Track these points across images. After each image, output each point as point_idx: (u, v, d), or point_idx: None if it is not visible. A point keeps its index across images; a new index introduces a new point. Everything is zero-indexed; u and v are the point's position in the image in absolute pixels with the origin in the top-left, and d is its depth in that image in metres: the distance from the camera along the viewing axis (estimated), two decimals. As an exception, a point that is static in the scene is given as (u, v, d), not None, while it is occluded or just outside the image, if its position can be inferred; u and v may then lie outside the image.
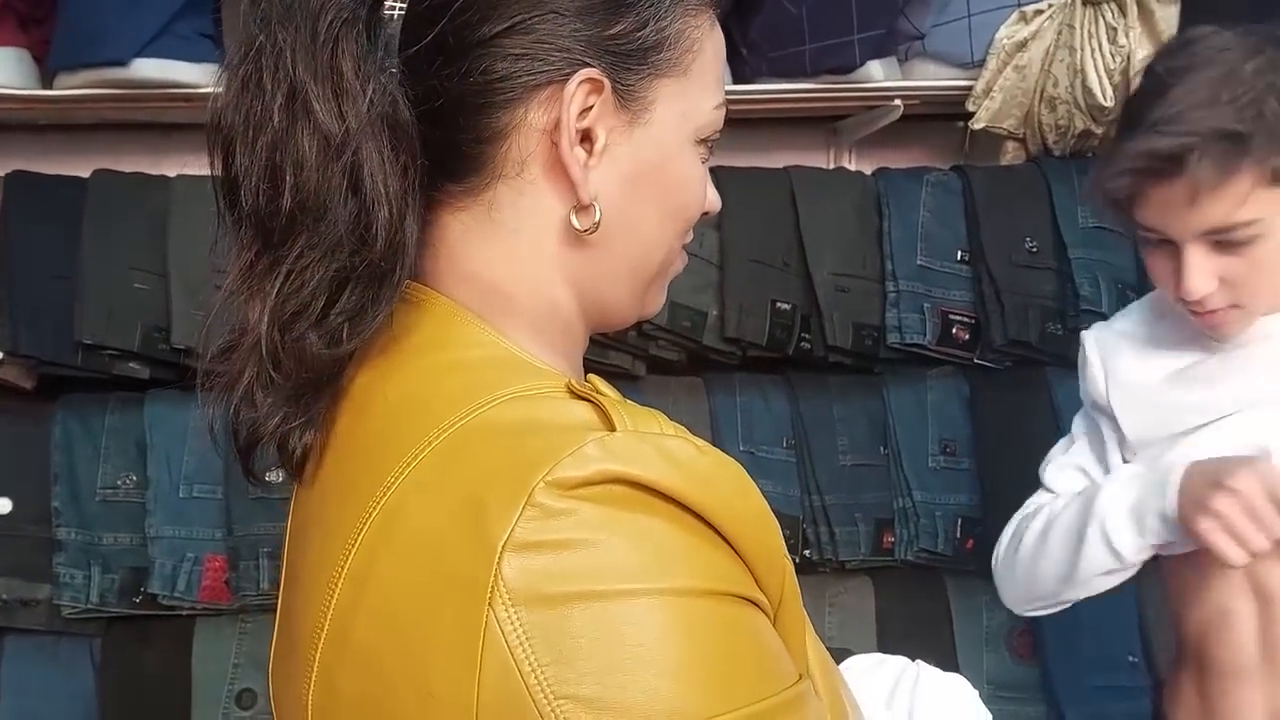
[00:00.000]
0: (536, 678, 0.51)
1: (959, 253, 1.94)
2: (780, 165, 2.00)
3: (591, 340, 2.01)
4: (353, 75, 0.61)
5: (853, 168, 2.10)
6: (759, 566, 0.57)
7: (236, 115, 0.62)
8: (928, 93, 1.93)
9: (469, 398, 0.59)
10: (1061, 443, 1.34)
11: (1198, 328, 1.15)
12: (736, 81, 1.88)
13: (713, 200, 0.74)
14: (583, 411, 0.58)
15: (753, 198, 1.92)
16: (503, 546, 0.52)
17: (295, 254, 0.61)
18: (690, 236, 0.73)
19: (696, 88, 0.68)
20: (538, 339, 0.67)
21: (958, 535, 1.89)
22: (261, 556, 1.69)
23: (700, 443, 0.58)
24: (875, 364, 1.95)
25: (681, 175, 0.68)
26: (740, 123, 2.07)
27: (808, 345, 1.91)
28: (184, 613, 1.74)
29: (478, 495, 0.54)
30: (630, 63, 0.65)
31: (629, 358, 1.88)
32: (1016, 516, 1.31)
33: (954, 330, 1.92)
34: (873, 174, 2.01)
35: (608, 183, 0.65)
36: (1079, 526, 1.16)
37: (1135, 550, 1.13)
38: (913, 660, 0.87)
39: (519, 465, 0.54)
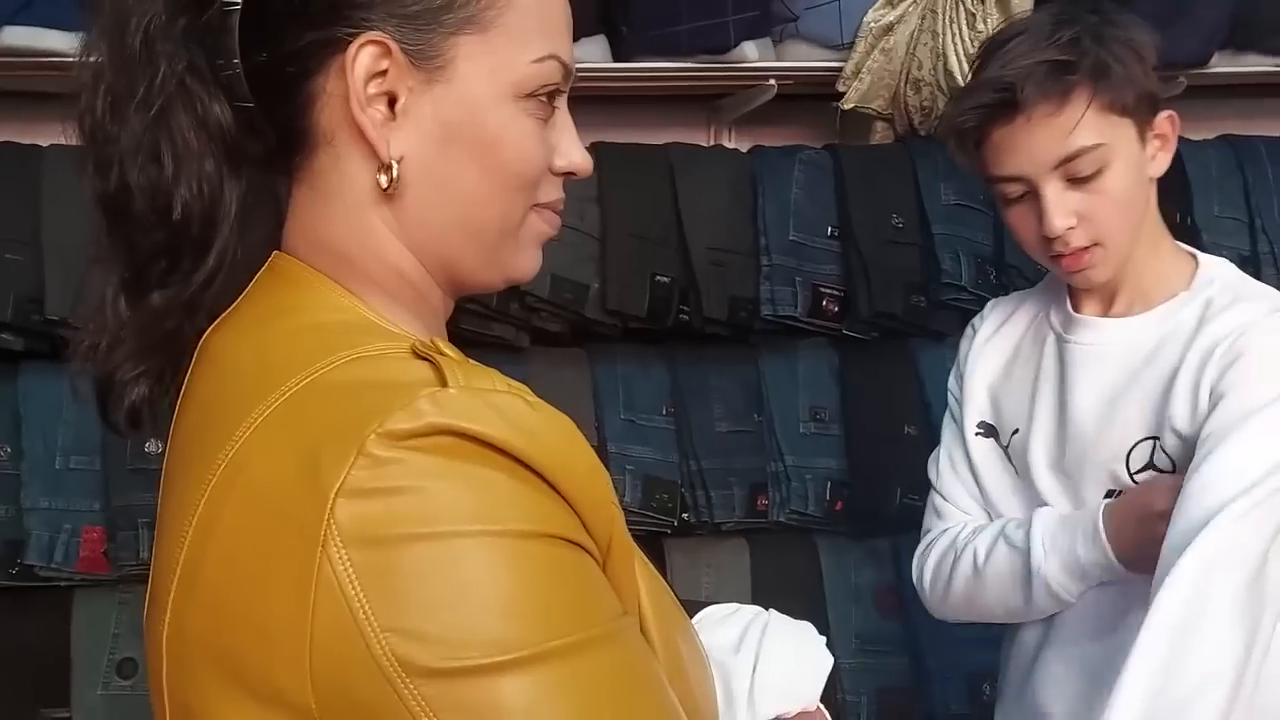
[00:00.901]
0: (365, 613, 0.55)
1: (829, 229, 2.02)
2: (663, 142, 2.06)
3: (475, 313, 2.04)
4: (153, 55, 0.65)
5: (732, 145, 2.16)
6: (586, 513, 0.61)
7: (84, 88, 0.67)
8: (801, 73, 2.00)
9: (315, 359, 0.62)
10: (944, 441, 1.39)
11: (1064, 277, 1.22)
12: (617, 59, 1.93)
13: (578, 161, 0.74)
14: (420, 370, 0.61)
15: (633, 173, 1.98)
16: (335, 493, 0.55)
17: (127, 225, 0.67)
18: (550, 196, 0.74)
19: (506, 43, 0.68)
20: (393, 304, 0.70)
21: (827, 498, 1.98)
22: (140, 527, 1.69)
23: (532, 399, 0.62)
24: (750, 335, 2.03)
25: (498, 132, 0.69)
26: (623, 100, 2.12)
27: (686, 317, 1.98)
28: (62, 584, 1.74)
29: (315, 448, 0.58)
30: (418, 23, 0.66)
31: (513, 329, 1.92)
32: (933, 549, 1.33)
33: (824, 303, 2.01)
34: (748, 152, 2.08)
35: (414, 142, 0.67)
36: (1020, 583, 1.22)
37: (1081, 593, 1.21)
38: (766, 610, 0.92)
39: (354, 419, 0.57)
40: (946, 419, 1.39)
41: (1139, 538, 1.12)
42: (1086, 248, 1.16)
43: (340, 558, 0.55)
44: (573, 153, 0.74)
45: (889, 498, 1.96)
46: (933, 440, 1.96)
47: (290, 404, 0.61)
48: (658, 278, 1.95)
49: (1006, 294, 1.97)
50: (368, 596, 0.55)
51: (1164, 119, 1.17)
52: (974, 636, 1.85)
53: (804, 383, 2.04)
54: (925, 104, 1.98)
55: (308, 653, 0.55)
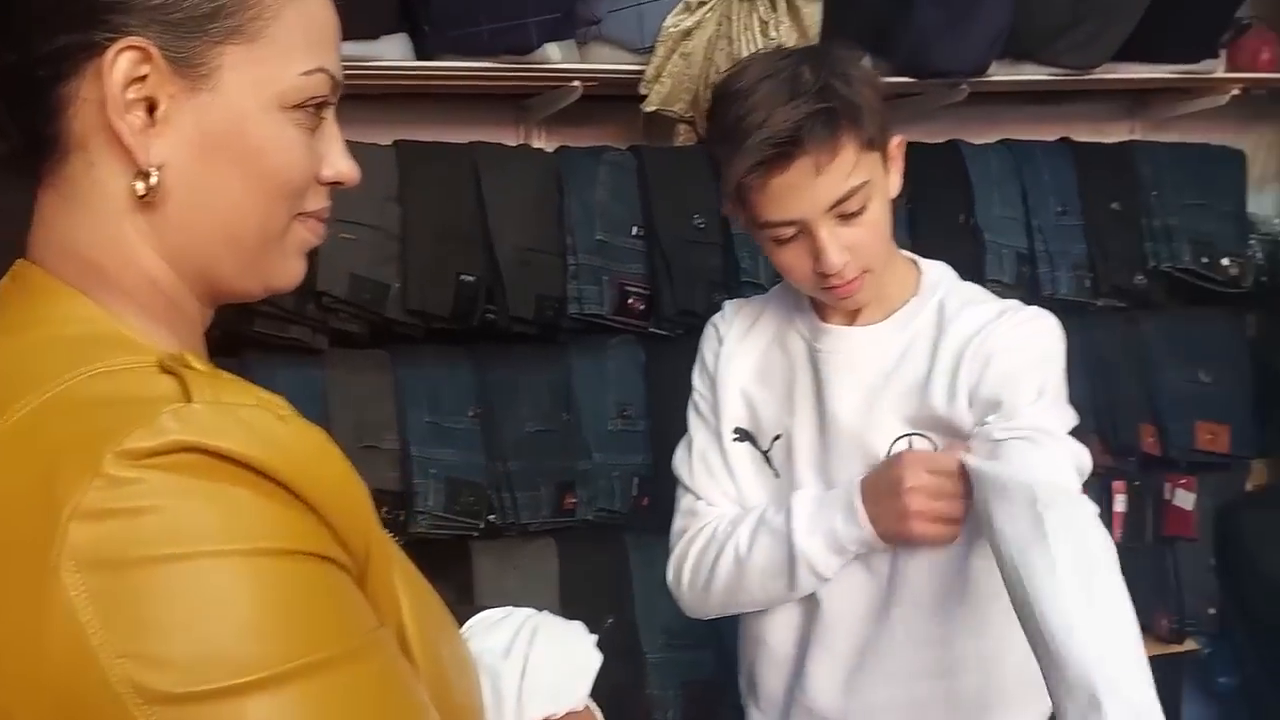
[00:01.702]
0: (100, 638, 0.53)
1: (634, 228, 2.05)
2: (471, 140, 2.05)
3: (270, 315, 1.97)
4: None
5: (539, 145, 2.17)
6: (339, 526, 0.60)
7: None
8: (604, 75, 2.02)
9: (57, 373, 0.60)
10: (696, 441, 1.38)
11: (833, 302, 1.27)
12: (420, 57, 1.91)
13: (344, 171, 0.74)
14: (166, 384, 0.59)
15: (436, 171, 1.96)
16: (69, 515, 0.54)
17: None
18: (315, 205, 0.73)
19: (273, 54, 0.68)
20: (142, 313, 0.68)
21: (634, 494, 2.01)
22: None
23: (283, 412, 0.60)
24: (558, 334, 2.04)
25: (263, 142, 0.68)
26: (427, 97, 2.10)
27: (492, 317, 1.97)
28: None
29: (50, 468, 0.56)
30: (182, 31, 0.65)
31: (309, 331, 1.88)
32: (692, 546, 1.35)
33: (630, 300, 2.04)
34: (554, 152, 2.08)
35: (175, 150, 0.66)
36: (783, 567, 1.26)
37: (840, 567, 1.26)
38: (539, 610, 0.93)
39: (91, 438, 0.56)
40: (695, 419, 1.39)
41: (890, 509, 1.19)
42: (858, 276, 1.21)
43: (74, 583, 0.53)
44: (339, 162, 0.74)
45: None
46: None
47: (28, 421, 0.58)
48: (462, 277, 1.94)
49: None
50: (102, 622, 0.53)
51: (895, 145, 1.23)
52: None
53: (612, 380, 2.06)
54: (724, 107, 2.03)
55: (41, 680, 0.54)
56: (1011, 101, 2.44)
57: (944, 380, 1.22)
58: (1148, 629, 2.30)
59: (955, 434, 1.22)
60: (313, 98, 0.70)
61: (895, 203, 1.26)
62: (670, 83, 1.99)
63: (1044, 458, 1.14)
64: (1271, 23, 2.48)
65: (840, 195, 1.16)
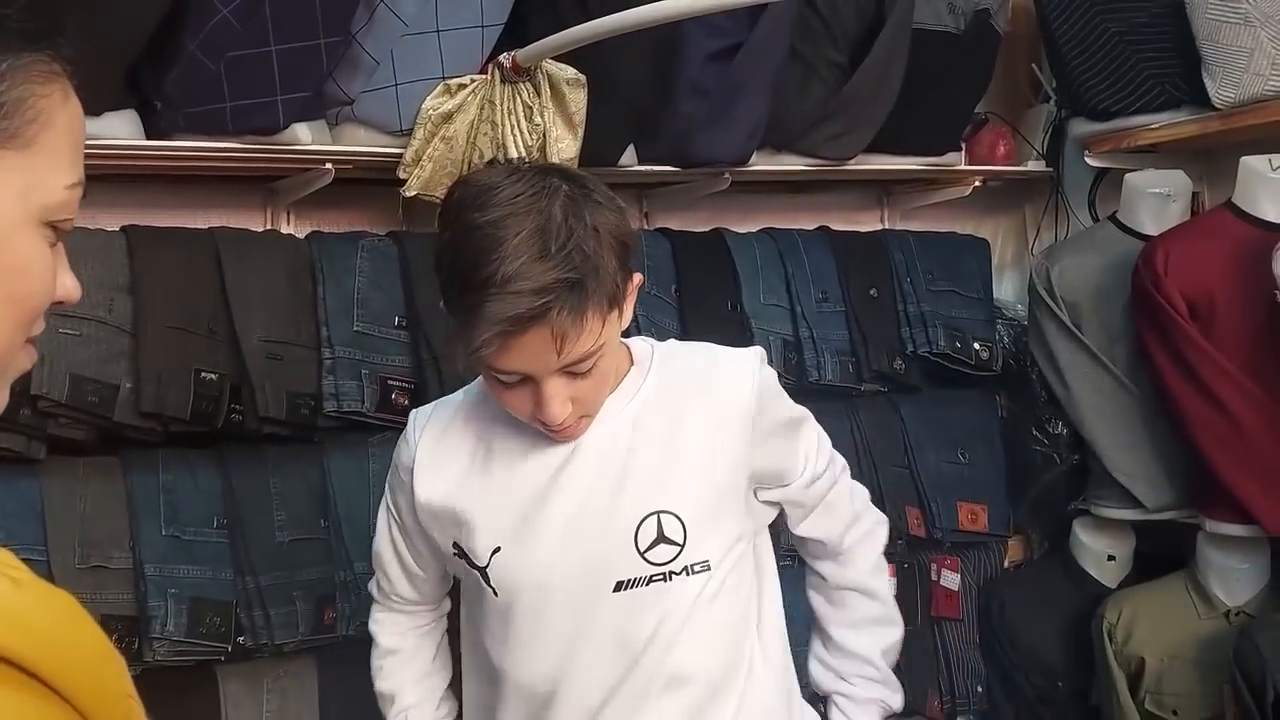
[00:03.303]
0: None
1: (397, 318, 1.94)
2: (213, 225, 1.89)
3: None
4: None
5: (290, 230, 2.03)
6: (92, 708, 0.50)
7: None
8: (359, 158, 1.91)
9: None
10: (389, 557, 1.41)
11: (550, 437, 1.21)
12: (151, 136, 1.75)
13: (70, 289, 0.67)
14: None
15: (173, 260, 1.79)
16: None
17: None
18: (41, 329, 0.65)
19: (43, 163, 0.61)
20: None
21: (402, 603, 1.86)
22: None
23: (19, 574, 0.50)
24: (314, 433, 1.89)
25: (25, 259, 0.60)
26: (160, 180, 1.93)
27: (239, 417, 1.80)
28: None
29: None
30: None
31: (24, 439, 1.65)
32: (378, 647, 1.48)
33: (394, 395, 1.91)
34: (306, 237, 1.95)
35: None
36: None
37: None
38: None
39: None
40: (390, 534, 1.38)
41: None
42: (577, 421, 1.18)
43: None
44: (67, 279, 0.67)
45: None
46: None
47: None
48: (203, 374, 1.76)
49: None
50: None
51: (633, 284, 1.19)
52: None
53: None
54: (489, 193, 1.96)
55: None
56: (771, 190, 2.50)
57: (696, 444, 1.23)
58: (919, 710, 2.32)
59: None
60: (70, 215, 0.63)
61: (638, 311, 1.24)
62: (431, 166, 1.90)
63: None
64: (1006, 118, 2.66)
65: (574, 360, 1.12)
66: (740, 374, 1.27)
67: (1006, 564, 2.57)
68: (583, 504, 1.22)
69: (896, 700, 1.46)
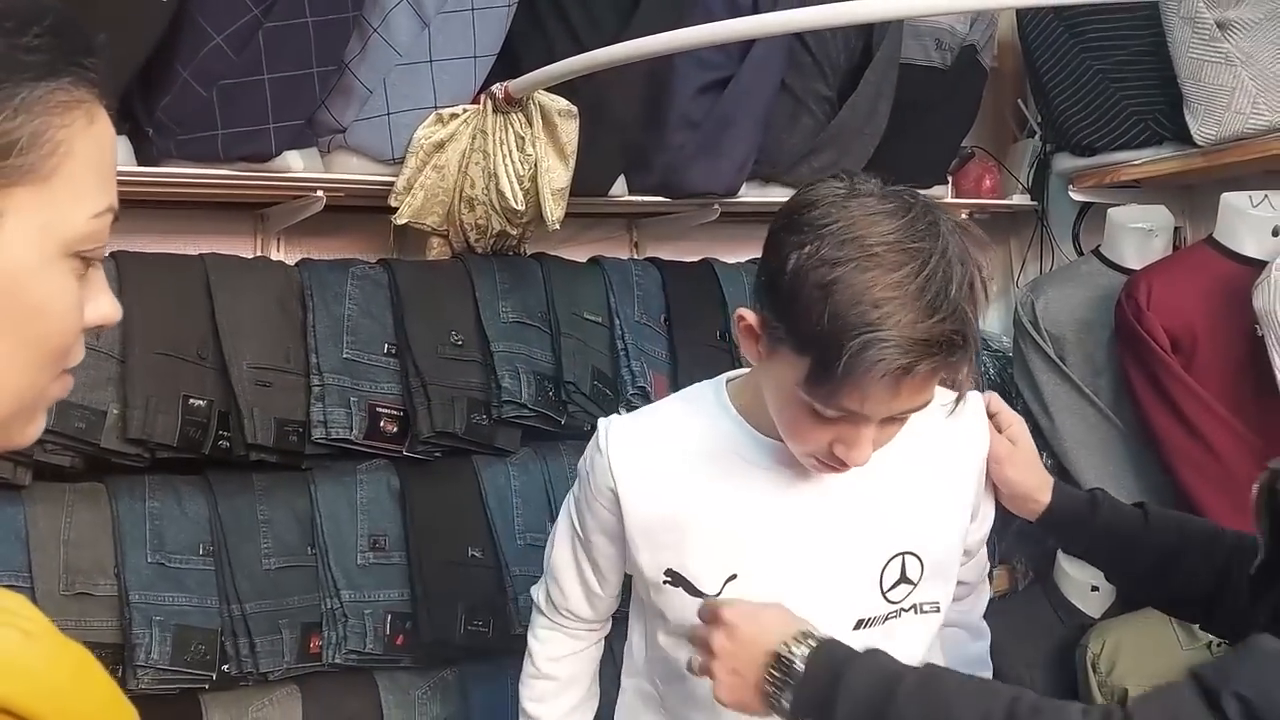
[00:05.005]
0: None
1: (386, 345, 1.94)
2: (202, 251, 1.89)
3: (-45, 448, 1.72)
4: None
5: (280, 256, 2.03)
6: None
7: None
8: (351, 186, 1.92)
9: None
10: (570, 577, 1.35)
11: (814, 469, 1.14)
12: (143, 163, 1.75)
13: (107, 313, 0.64)
14: None
15: (162, 285, 1.79)
16: None
17: None
18: (78, 359, 0.63)
19: (64, 195, 0.58)
20: None
21: (388, 632, 1.85)
22: None
23: (30, 623, 0.48)
24: (302, 460, 1.88)
25: (44, 298, 0.58)
26: (152, 205, 1.93)
27: (227, 444, 1.80)
28: None
29: None
30: None
31: (10, 465, 1.64)
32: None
33: (382, 423, 1.91)
34: (296, 264, 1.95)
35: None
36: None
37: None
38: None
39: None
40: (573, 550, 1.33)
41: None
42: None
43: None
44: (103, 303, 0.64)
45: (452, 625, 1.87)
46: (498, 561, 1.93)
47: None
48: (191, 400, 1.76)
49: (565, 409, 2.00)
50: None
51: None
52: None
53: (363, 509, 1.91)
54: (480, 222, 1.97)
55: None
56: (761, 221, 2.49)
57: (958, 488, 1.25)
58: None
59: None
60: (99, 244, 0.60)
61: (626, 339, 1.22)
62: (423, 195, 1.91)
63: None
64: (992, 152, 2.69)
65: (912, 408, 1.06)
66: (978, 424, 1.27)
67: (991, 594, 2.58)
68: (832, 536, 1.18)
69: None
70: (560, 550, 1.34)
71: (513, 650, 1.51)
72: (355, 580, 1.85)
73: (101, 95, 0.62)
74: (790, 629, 1.05)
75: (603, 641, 1.45)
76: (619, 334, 2.13)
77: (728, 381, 1.27)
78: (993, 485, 1.32)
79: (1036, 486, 1.31)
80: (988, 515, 1.35)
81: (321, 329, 1.88)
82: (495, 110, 1.86)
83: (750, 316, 1.12)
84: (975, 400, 1.28)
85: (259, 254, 2.02)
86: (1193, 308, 2.18)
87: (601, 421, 1.27)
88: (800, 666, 1.01)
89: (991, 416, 1.32)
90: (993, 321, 2.79)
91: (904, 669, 1.01)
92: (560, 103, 1.88)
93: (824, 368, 1.01)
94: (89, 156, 0.60)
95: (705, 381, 1.31)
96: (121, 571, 1.69)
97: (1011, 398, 2.55)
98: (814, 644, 1.03)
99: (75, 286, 0.61)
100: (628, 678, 1.40)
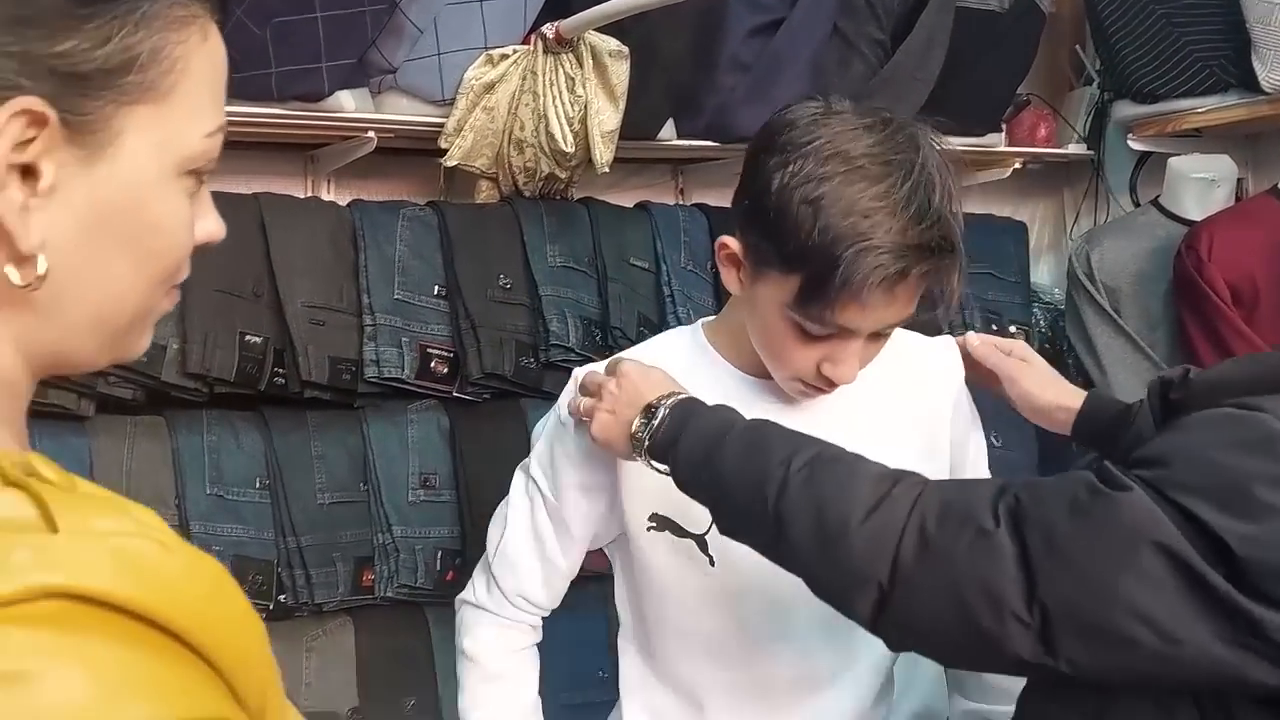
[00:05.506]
0: None
1: (436, 287, 1.96)
2: (254, 191, 1.92)
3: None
4: None
5: (330, 198, 2.05)
6: (238, 678, 0.49)
7: None
8: (401, 126, 1.93)
9: None
10: (530, 527, 1.25)
11: (796, 396, 1.16)
12: (200, 101, 1.77)
13: (214, 230, 0.65)
14: (13, 504, 0.47)
15: (219, 225, 1.81)
16: None
17: None
18: (185, 274, 0.64)
19: (181, 113, 0.58)
20: None
21: (438, 568, 1.89)
22: None
23: (169, 538, 0.49)
24: (354, 398, 1.91)
25: (159, 215, 0.59)
26: (209, 145, 1.95)
27: (282, 380, 1.83)
28: None
29: None
30: (86, 88, 0.54)
31: (74, 396, 1.69)
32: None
33: (433, 364, 1.94)
34: (348, 205, 1.98)
35: (60, 228, 0.55)
36: None
37: None
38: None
39: None
40: (533, 522, 1.25)
41: None
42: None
43: None
44: (210, 221, 0.65)
45: (501, 564, 1.90)
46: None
47: None
48: (248, 337, 1.79)
49: (611, 355, 2.00)
50: None
51: None
52: (583, 701, 1.84)
53: (413, 448, 1.94)
54: (529, 165, 1.98)
55: None
56: (811, 168, 2.49)
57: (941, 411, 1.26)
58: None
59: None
60: (210, 162, 0.61)
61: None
62: (472, 137, 1.92)
63: None
64: (1048, 100, 2.64)
65: (898, 320, 1.08)
66: (950, 360, 1.29)
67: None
68: None
69: None
70: (515, 529, 1.26)
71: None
72: (406, 516, 1.89)
73: (213, 11, 0.62)
74: (669, 388, 1.10)
75: (538, 654, 1.32)
76: (665, 280, 2.13)
77: (703, 326, 1.28)
78: (975, 418, 1.33)
79: (1060, 395, 1.28)
80: (980, 445, 1.33)
81: (373, 269, 1.90)
82: (545, 51, 1.86)
83: (733, 243, 1.12)
84: (946, 341, 1.32)
85: (310, 195, 2.05)
86: (1255, 260, 2.14)
87: (577, 371, 1.24)
88: (664, 412, 1.07)
89: (980, 353, 1.32)
90: (1043, 274, 2.76)
91: (741, 419, 1.05)
92: (611, 43, 1.88)
93: (817, 282, 1.02)
94: (203, 73, 0.60)
95: (680, 327, 1.33)
96: (182, 502, 1.74)
97: (1063, 351, 2.53)
98: (681, 398, 1.09)
99: (188, 204, 0.61)
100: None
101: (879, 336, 1.10)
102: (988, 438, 2.38)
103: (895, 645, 1.00)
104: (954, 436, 1.28)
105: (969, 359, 1.31)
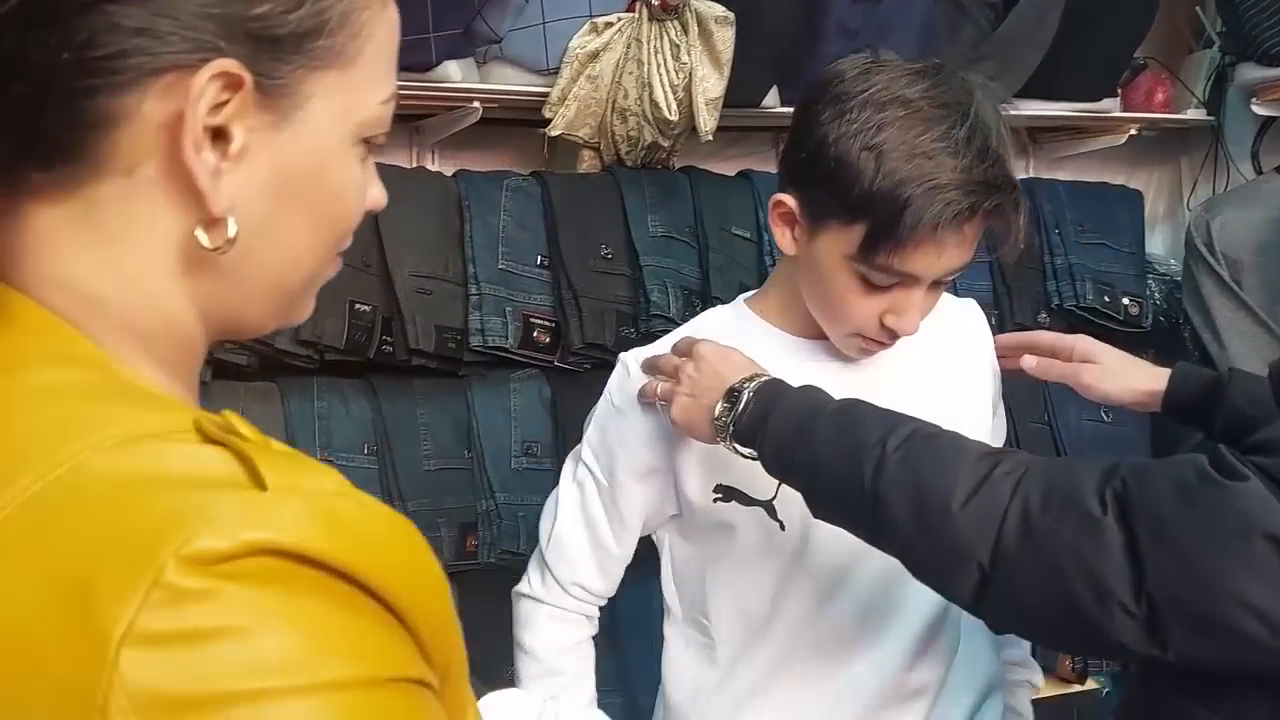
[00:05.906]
0: None
1: (539, 257, 1.97)
2: (363, 163, 1.94)
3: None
4: None
5: (435, 168, 2.07)
6: (429, 638, 0.50)
7: None
8: (506, 97, 1.94)
9: (66, 438, 0.47)
10: (590, 511, 1.27)
11: (855, 353, 1.16)
12: (311, 73, 1.80)
13: (378, 198, 0.66)
14: (219, 462, 0.48)
15: (329, 195, 1.85)
16: (120, 640, 0.42)
17: None
18: (349, 241, 0.65)
19: (362, 80, 0.59)
20: (148, 355, 0.56)
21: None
22: None
23: (365, 498, 0.49)
24: (460, 367, 1.94)
25: (339, 181, 0.60)
26: (316, 116, 1.99)
27: (389, 348, 1.86)
28: None
29: (83, 575, 0.43)
30: (280, 51, 0.55)
31: (192, 362, 1.74)
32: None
33: (535, 333, 1.95)
34: (453, 175, 1.99)
35: (245, 191, 0.55)
36: None
37: None
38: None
39: (140, 535, 0.44)
40: (584, 511, 1.26)
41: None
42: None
43: None
44: (375, 189, 0.66)
45: (602, 532, 1.91)
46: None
47: (38, 506, 0.46)
48: (357, 306, 1.83)
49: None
50: None
51: None
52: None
53: (516, 416, 1.96)
54: (632, 134, 1.97)
55: None
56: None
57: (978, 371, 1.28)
58: (1051, 670, 2.28)
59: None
60: (384, 129, 0.62)
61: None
62: (575, 106, 1.92)
63: None
64: (1166, 64, 2.55)
65: (960, 266, 1.09)
66: (980, 320, 1.31)
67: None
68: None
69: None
70: (566, 517, 1.28)
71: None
72: (509, 484, 1.91)
73: None
74: (750, 370, 1.10)
75: (593, 647, 1.34)
76: (767, 250, 2.11)
77: (743, 300, 1.28)
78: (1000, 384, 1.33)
79: (1140, 380, 1.23)
80: (1001, 414, 1.36)
81: (478, 239, 1.92)
82: (650, 18, 1.85)
83: (789, 200, 1.12)
84: (970, 304, 1.33)
85: (416, 165, 2.07)
86: (1386, 228, 2.04)
87: (624, 357, 1.24)
88: (748, 395, 1.06)
89: (1041, 371, 1.28)
90: (1158, 244, 2.66)
91: (831, 399, 1.05)
92: (717, 9, 1.86)
93: (884, 227, 1.03)
94: (383, 40, 0.60)
95: (718, 306, 1.32)
96: (293, 466, 1.78)
97: (1179, 324, 2.45)
98: (764, 380, 1.08)
99: (361, 171, 0.62)
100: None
101: (938, 286, 1.11)
102: (1097, 413, 2.35)
103: (996, 627, 0.99)
104: (992, 398, 1.30)
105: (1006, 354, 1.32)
